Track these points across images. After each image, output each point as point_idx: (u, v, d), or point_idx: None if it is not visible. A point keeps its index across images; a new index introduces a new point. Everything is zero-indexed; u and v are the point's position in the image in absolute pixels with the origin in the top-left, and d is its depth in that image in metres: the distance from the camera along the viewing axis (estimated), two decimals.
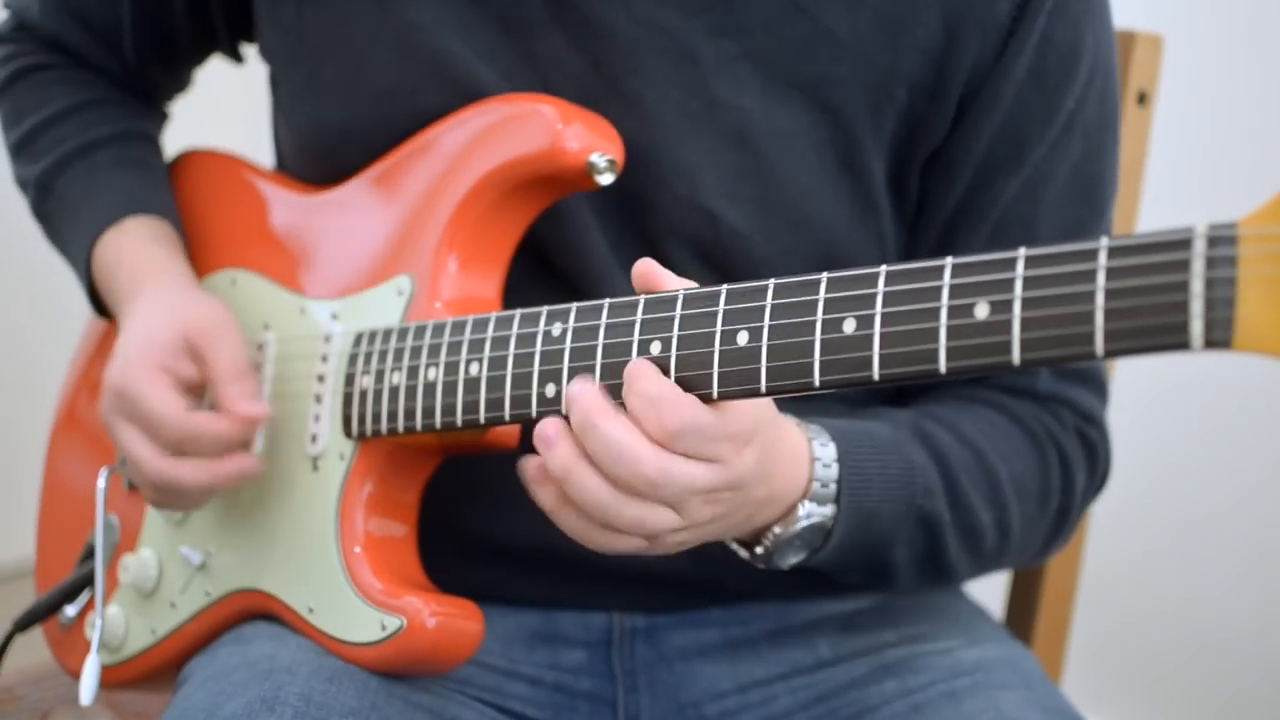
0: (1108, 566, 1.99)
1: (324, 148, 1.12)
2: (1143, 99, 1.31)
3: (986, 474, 1.05)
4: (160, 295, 1.11)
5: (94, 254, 1.17)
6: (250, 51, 1.29)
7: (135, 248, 1.16)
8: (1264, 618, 2.05)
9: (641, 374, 0.86)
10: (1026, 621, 1.35)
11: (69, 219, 1.21)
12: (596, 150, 1.00)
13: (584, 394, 0.87)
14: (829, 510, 0.96)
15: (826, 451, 0.96)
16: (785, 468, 0.93)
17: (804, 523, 0.95)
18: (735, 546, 0.98)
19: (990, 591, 1.38)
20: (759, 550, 0.96)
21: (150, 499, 1.09)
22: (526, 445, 1.02)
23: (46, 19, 1.26)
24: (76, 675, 1.18)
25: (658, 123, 1.04)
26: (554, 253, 1.06)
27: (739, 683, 1.11)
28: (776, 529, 0.95)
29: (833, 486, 0.96)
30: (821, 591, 1.13)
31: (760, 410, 0.88)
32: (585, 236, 1.05)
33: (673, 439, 0.84)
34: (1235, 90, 2.02)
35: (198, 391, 1.08)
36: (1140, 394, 1.94)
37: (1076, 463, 1.10)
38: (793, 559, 0.97)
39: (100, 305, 1.21)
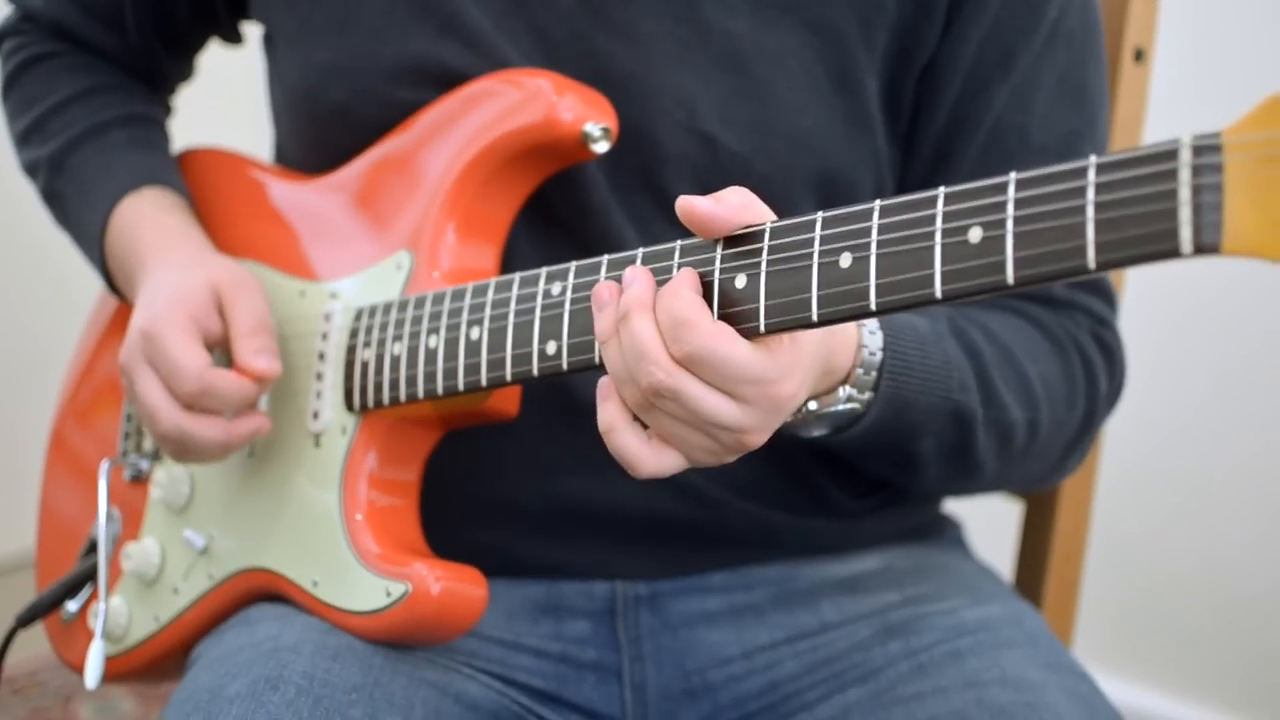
0: (1121, 525, 1.99)
1: (309, 89, 1.12)
2: (1140, 56, 1.30)
3: (1018, 374, 1.05)
4: (189, 255, 1.12)
5: (111, 219, 1.18)
6: (249, 37, 1.29)
7: (156, 213, 1.17)
8: None
9: (675, 291, 0.84)
10: (1036, 581, 1.34)
11: (83, 192, 1.22)
12: (590, 120, 1.01)
13: (636, 281, 0.86)
14: (866, 396, 0.96)
15: (874, 340, 0.95)
16: (829, 367, 0.92)
17: (841, 406, 0.95)
18: None
19: (999, 551, 1.37)
20: (788, 419, 0.93)
21: (164, 449, 1.08)
22: (527, 413, 1.02)
23: (49, 5, 1.28)
24: (78, 669, 1.18)
25: (652, 52, 1.05)
26: (551, 188, 1.07)
27: (744, 648, 1.11)
28: (812, 405, 0.94)
29: (874, 374, 0.95)
30: (824, 554, 1.13)
31: (805, 343, 0.86)
32: (583, 172, 1.06)
33: (689, 362, 0.83)
34: (1231, 44, 2.01)
35: (222, 347, 1.08)
36: (1154, 349, 1.93)
37: (1098, 366, 1.11)
38: (817, 432, 0.97)
39: (110, 280, 1.22)
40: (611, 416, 0.87)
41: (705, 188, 1.05)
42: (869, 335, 0.95)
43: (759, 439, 0.86)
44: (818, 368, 0.88)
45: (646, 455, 0.87)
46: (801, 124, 1.06)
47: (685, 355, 0.82)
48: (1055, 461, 1.13)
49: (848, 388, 0.94)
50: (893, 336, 0.96)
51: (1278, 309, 1.95)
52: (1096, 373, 1.10)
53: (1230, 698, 2.11)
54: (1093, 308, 1.12)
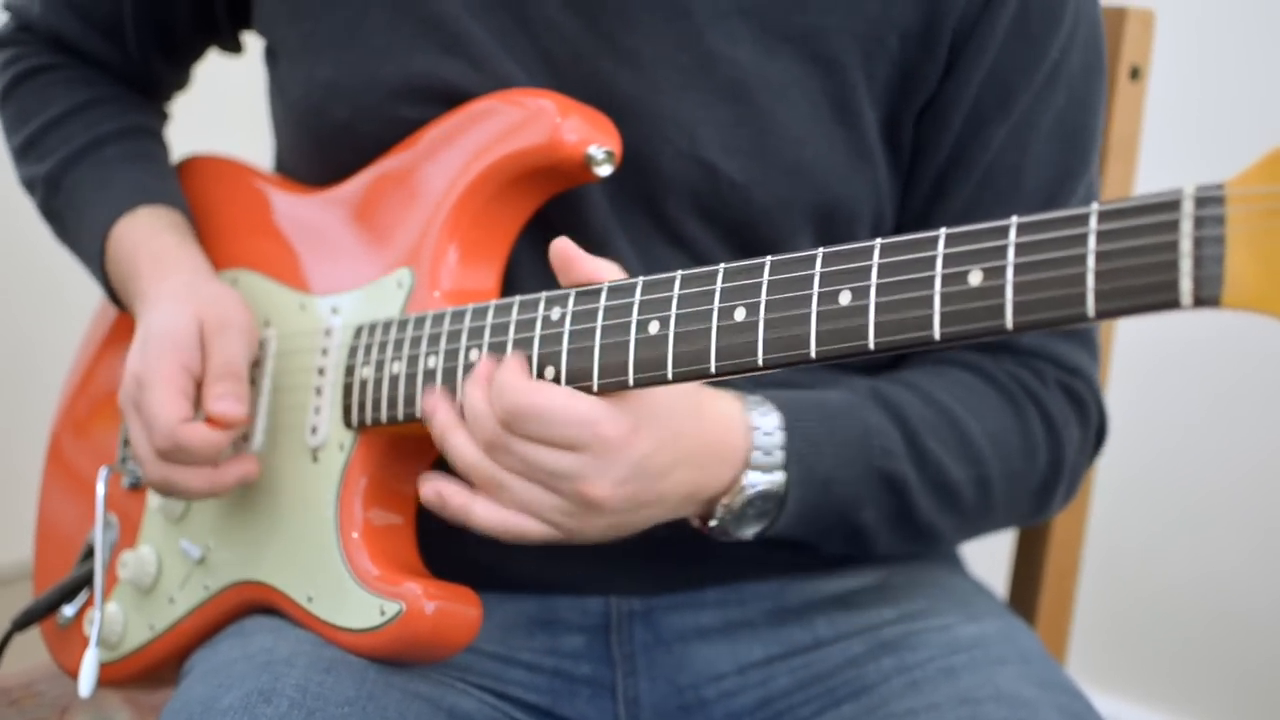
0: (1115, 541, 1.99)
1: (312, 106, 1.12)
2: (1135, 74, 1.31)
3: (955, 431, 1.06)
4: (182, 285, 1.12)
5: (108, 243, 1.18)
6: (250, 47, 1.29)
7: (151, 236, 1.17)
8: (1278, 592, 2.04)
9: (503, 365, 0.93)
10: (1030, 598, 1.34)
11: (80, 213, 1.22)
12: (594, 143, 1.01)
13: (483, 361, 0.94)
14: (778, 477, 0.97)
15: (767, 420, 0.97)
16: (715, 446, 0.95)
17: (751, 491, 0.97)
18: (695, 522, 0.99)
19: (993, 567, 1.37)
20: (713, 524, 0.98)
21: (155, 490, 1.09)
22: None
23: (47, 16, 1.27)
24: (72, 674, 1.19)
25: (655, 78, 1.05)
26: (552, 209, 1.07)
27: (738, 664, 1.11)
28: (724, 500, 0.96)
29: (778, 454, 0.97)
30: (819, 570, 1.13)
31: (649, 400, 0.91)
32: (585, 194, 1.06)
33: (510, 419, 0.90)
34: (1227, 63, 2.02)
35: None
36: (1147, 365, 1.94)
37: (1062, 417, 1.11)
38: (750, 529, 0.99)
39: (114, 295, 1.22)
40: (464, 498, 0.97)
41: (706, 214, 1.06)
42: (760, 416, 0.97)
43: (600, 489, 0.91)
44: (672, 428, 0.92)
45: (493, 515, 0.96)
46: (802, 155, 1.05)
47: (503, 411, 0.91)
48: (1028, 509, 1.13)
49: (751, 473, 0.96)
50: (793, 416, 0.98)
51: (1273, 325, 1.95)
52: (1060, 425, 1.10)
53: (1225, 715, 2.12)
54: (1062, 356, 1.12)
